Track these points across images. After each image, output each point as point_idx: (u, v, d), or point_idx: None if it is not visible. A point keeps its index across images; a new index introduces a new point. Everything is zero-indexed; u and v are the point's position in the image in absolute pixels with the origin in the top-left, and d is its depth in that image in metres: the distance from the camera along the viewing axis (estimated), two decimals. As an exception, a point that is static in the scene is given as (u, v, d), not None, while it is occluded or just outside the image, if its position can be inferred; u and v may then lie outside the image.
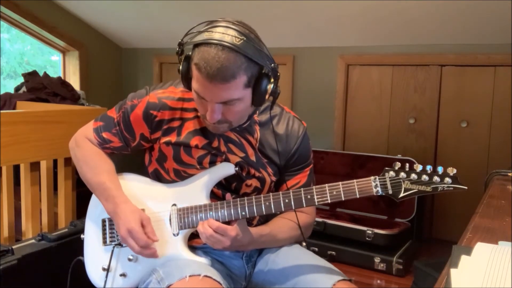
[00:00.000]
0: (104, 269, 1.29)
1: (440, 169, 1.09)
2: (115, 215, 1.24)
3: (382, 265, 2.61)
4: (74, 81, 3.99)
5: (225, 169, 1.26)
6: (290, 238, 1.34)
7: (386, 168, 1.13)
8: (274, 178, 1.33)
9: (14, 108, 3.07)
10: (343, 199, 1.14)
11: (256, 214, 1.20)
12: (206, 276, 1.14)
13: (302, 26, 3.26)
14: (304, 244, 1.37)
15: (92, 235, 1.36)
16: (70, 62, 4.05)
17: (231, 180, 1.30)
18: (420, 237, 3.03)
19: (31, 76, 3.35)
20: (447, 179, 1.07)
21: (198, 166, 1.28)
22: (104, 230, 1.33)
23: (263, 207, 1.19)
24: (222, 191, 1.30)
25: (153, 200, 1.30)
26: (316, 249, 2.77)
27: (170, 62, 4.08)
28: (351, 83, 3.37)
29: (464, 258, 0.85)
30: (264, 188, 1.33)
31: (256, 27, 1.16)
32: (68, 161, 2.14)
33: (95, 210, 1.37)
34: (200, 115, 1.20)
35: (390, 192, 1.11)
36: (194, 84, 1.12)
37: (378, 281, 2.58)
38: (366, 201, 3.02)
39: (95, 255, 1.33)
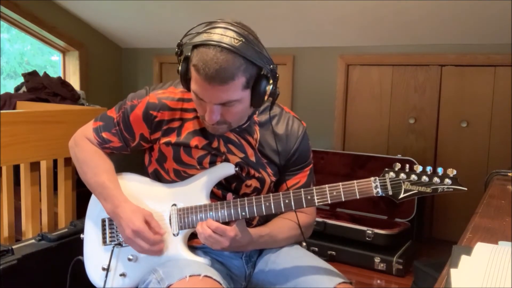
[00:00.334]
0: (104, 269, 1.29)
1: (440, 170, 1.09)
2: (115, 216, 1.24)
3: (382, 265, 2.61)
4: (74, 81, 3.99)
5: (225, 169, 1.26)
6: (289, 238, 1.34)
7: (386, 169, 1.13)
8: (273, 179, 1.33)
9: (14, 108, 3.07)
10: (343, 199, 1.14)
11: (256, 215, 1.20)
12: (206, 276, 1.14)
13: (302, 26, 3.26)
14: (304, 244, 1.36)
15: (92, 235, 1.36)
16: (70, 62, 4.05)
17: (231, 180, 1.30)
18: (420, 237, 3.03)
19: (31, 76, 3.35)
20: (447, 180, 1.07)
21: (198, 166, 1.28)
22: (104, 230, 1.33)
23: (263, 208, 1.19)
24: (222, 191, 1.30)
25: (153, 200, 1.30)
26: (316, 249, 2.77)
27: (170, 62, 4.08)
28: (351, 83, 3.37)
29: (464, 258, 0.85)
30: (263, 189, 1.33)
31: (256, 27, 1.16)
32: (68, 161, 2.14)
33: (95, 210, 1.37)
34: (199, 116, 1.21)
35: (390, 193, 1.11)
36: (193, 85, 1.12)
37: (378, 281, 2.58)
38: (366, 201, 3.02)
39: (95, 255, 1.33)
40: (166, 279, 1.15)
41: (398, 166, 1.12)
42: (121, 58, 4.36)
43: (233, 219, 1.20)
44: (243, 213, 1.20)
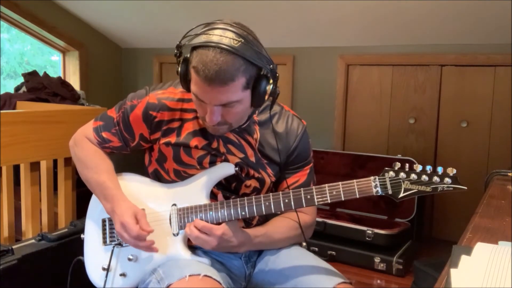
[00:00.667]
0: (104, 269, 1.29)
1: (440, 170, 1.09)
2: (113, 214, 1.24)
3: (382, 265, 2.61)
4: (74, 81, 3.99)
5: (225, 169, 1.26)
6: (288, 238, 1.33)
7: (386, 168, 1.13)
8: (273, 179, 1.33)
9: (14, 108, 3.07)
10: (343, 199, 1.14)
11: (256, 214, 1.20)
12: (206, 275, 1.14)
13: (302, 26, 3.26)
14: (304, 244, 1.36)
15: (92, 235, 1.36)
16: (70, 62, 4.05)
17: (231, 181, 1.30)
18: (420, 237, 3.03)
19: (31, 76, 3.35)
20: (447, 179, 1.07)
21: (198, 166, 1.28)
22: (104, 230, 1.34)
23: (263, 207, 1.19)
24: (222, 191, 1.30)
25: (153, 200, 1.30)
26: (316, 249, 2.77)
27: (170, 62, 4.08)
28: (351, 83, 3.37)
29: (464, 258, 0.85)
30: (263, 189, 1.33)
31: (256, 27, 1.16)
32: (68, 161, 2.15)
33: (95, 210, 1.37)
34: (200, 117, 1.20)
35: (390, 192, 1.11)
36: (193, 87, 1.12)
37: (378, 281, 2.58)
38: (366, 201, 3.02)
39: (95, 255, 1.33)
40: (166, 279, 1.15)
41: (397, 165, 1.12)
42: (121, 58, 4.36)
43: (233, 218, 1.21)
44: (243, 213, 1.20)
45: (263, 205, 1.19)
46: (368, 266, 2.66)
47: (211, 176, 1.27)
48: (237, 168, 1.26)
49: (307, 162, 1.36)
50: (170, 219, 1.26)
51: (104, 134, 1.35)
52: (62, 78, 3.76)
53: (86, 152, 1.37)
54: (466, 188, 1.06)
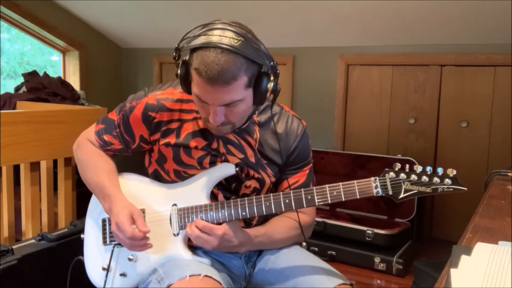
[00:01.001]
0: (104, 268, 1.29)
1: (440, 170, 1.09)
2: (110, 213, 1.24)
3: (382, 265, 2.61)
4: (74, 81, 3.99)
5: (226, 169, 1.26)
6: (288, 238, 1.33)
7: (386, 169, 1.13)
8: (273, 180, 1.33)
9: (14, 108, 3.07)
10: (343, 199, 1.14)
11: (256, 215, 1.20)
12: (206, 276, 1.14)
13: (302, 26, 3.26)
14: (304, 244, 1.36)
15: (92, 235, 1.36)
16: (70, 62, 4.05)
17: (231, 181, 1.30)
18: (420, 237, 3.03)
19: (31, 76, 3.36)
20: (447, 180, 1.07)
21: (198, 167, 1.28)
22: (104, 230, 1.34)
23: (263, 207, 1.19)
24: (222, 192, 1.30)
25: (153, 200, 1.30)
26: (316, 249, 2.77)
27: (170, 62, 4.08)
28: (351, 83, 3.37)
29: (464, 258, 0.85)
30: (263, 189, 1.33)
31: (256, 27, 1.16)
32: (68, 161, 2.15)
33: (96, 210, 1.37)
34: (202, 118, 1.20)
35: (390, 193, 1.11)
36: (195, 89, 1.12)
37: (378, 281, 2.58)
38: (366, 201, 3.02)
39: (95, 255, 1.33)
40: (166, 279, 1.15)
41: (398, 166, 1.12)
42: (121, 58, 4.36)
43: (233, 219, 1.21)
44: (243, 213, 1.20)
45: (263, 205, 1.19)
46: (368, 266, 2.66)
47: (212, 176, 1.27)
48: (237, 169, 1.26)
49: (306, 162, 1.36)
50: (170, 219, 1.26)
51: (105, 137, 1.35)
52: (62, 78, 3.76)
53: (87, 153, 1.37)
54: (466, 189, 1.06)
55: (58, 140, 2.05)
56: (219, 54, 1.04)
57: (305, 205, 1.18)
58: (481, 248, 0.88)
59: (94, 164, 1.34)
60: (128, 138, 1.32)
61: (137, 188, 1.33)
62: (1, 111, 1.94)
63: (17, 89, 3.44)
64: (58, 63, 4.14)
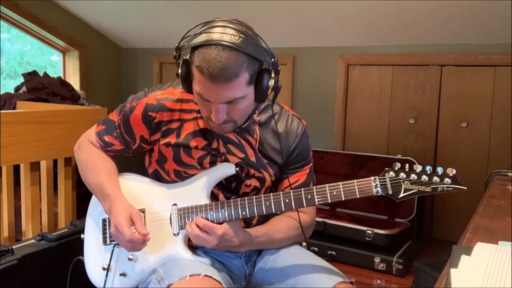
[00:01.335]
0: (104, 268, 1.29)
1: (439, 170, 1.09)
2: (110, 214, 1.24)
3: (382, 265, 2.61)
4: (74, 81, 3.99)
5: (226, 169, 1.26)
6: (289, 238, 1.33)
7: (386, 168, 1.13)
8: (273, 178, 1.33)
9: (14, 108, 3.07)
10: (343, 199, 1.14)
11: (256, 214, 1.20)
12: (206, 275, 1.14)
13: (302, 26, 3.26)
14: (304, 244, 1.36)
15: (92, 235, 1.36)
16: (70, 62, 4.05)
17: (231, 180, 1.30)
18: (420, 237, 3.03)
19: (31, 76, 3.35)
20: (447, 180, 1.07)
21: (198, 167, 1.28)
22: (104, 230, 1.34)
23: (264, 207, 1.19)
24: (222, 191, 1.30)
25: (153, 200, 1.30)
26: (316, 249, 2.77)
27: (170, 62, 4.08)
28: (351, 83, 3.37)
29: (464, 258, 0.85)
30: (263, 188, 1.33)
31: (256, 27, 1.16)
32: (68, 161, 2.15)
33: (96, 210, 1.37)
34: (204, 117, 1.20)
35: (390, 192, 1.11)
36: (197, 87, 1.12)
37: (378, 281, 2.58)
38: (366, 201, 3.02)
39: (95, 255, 1.33)
40: (166, 279, 1.15)
41: (398, 165, 1.12)
42: (121, 58, 4.36)
43: (234, 218, 1.21)
44: (243, 213, 1.20)
45: (263, 205, 1.19)
46: (368, 266, 2.66)
47: (212, 176, 1.27)
48: (237, 168, 1.26)
49: (307, 162, 1.36)
50: (170, 219, 1.26)
51: (106, 138, 1.35)
52: (62, 78, 3.76)
53: (88, 154, 1.37)
54: (465, 188, 1.06)
55: (58, 140, 2.05)
56: (220, 51, 1.04)
57: (305, 205, 1.18)
58: (481, 248, 0.88)
59: (95, 165, 1.34)
60: (129, 139, 1.32)
61: (137, 188, 1.33)
62: (1, 111, 1.94)
63: (17, 89, 3.44)
64: (58, 63, 4.14)
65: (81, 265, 1.37)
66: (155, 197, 1.30)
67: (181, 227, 1.25)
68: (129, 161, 1.49)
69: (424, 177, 1.09)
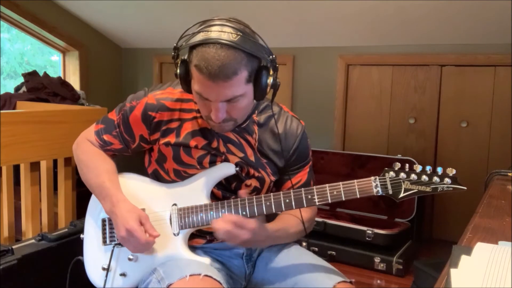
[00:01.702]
0: (104, 268, 1.29)
1: (439, 170, 1.09)
2: (112, 215, 1.24)
3: (382, 265, 2.61)
4: (74, 81, 3.99)
5: (226, 169, 1.26)
6: (298, 233, 1.33)
7: (386, 168, 1.13)
8: (273, 178, 1.33)
9: (14, 108, 3.07)
10: (343, 199, 1.14)
11: (256, 214, 1.20)
12: (206, 275, 1.14)
13: (302, 26, 3.26)
14: (304, 244, 1.37)
15: (92, 235, 1.36)
16: (70, 62, 4.05)
17: (231, 180, 1.30)
18: (420, 237, 3.03)
19: (31, 76, 3.35)
20: (447, 180, 1.07)
21: (198, 166, 1.28)
22: (104, 230, 1.33)
23: (264, 207, 1.19)
24: (222, 191, 1.30)
25: (153, 199, 1.30)
26: (316, 249, 2.77)
27: (170, 62, 4.06)
28: (351, 83, 3.37)
29: (464, 258, 0.85)
30: (263, 188, 1.33)
31: (256, 27, 1.16)
32: (68, 161, 2.14)
33: (95, 210, 1.37)
34: (204, 116, 1.20)
35: (390, 192, 1.12)
36: (196, 86, 1.12)
37: (378, 281, 2.58)
38: (366, 201, 3.02)
39: (95, 255, 1.33)
40: (166, 279, 1.15)
41: (398, 165, 1.12)
42: (121, 58, 4.36)
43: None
44: (244, 213, 1.20)
45: (263, 205, 1.19)
46: (368, 266, 2.66)
47: (212, 176, 1.27)
48: (237, 168, 1.27)
49: (307, 161, 1.36)
50: (170, 219, 1.26)
51: (105, 137, 1.35)
52: (62, 78, 3.76)
53: (87, 154, 1.37)
54: (465, 188, 1.06)
55: (58, 140, 2.05)
56: (219, 50, 1.05)
57: (305, 205, 1.18)
58: (481, 248, 0.88)
59: (95, 164, 1.34)
60: (128, 138, 1.32)
61: (137, 188, 1.33)
62: (1, 111, 1.94)
63: (17, 89, 3.44)
64: (58, 63, 4.14)
65: (81, 265, 1.37)
66: (155, 197, 1.30)
67: (181, 227, 1.25)
68: (129, 161, 1.48)
69: (424, 177, 1.09)
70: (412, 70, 3.16)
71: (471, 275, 0.79)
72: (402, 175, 1.11)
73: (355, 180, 1.14)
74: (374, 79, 3.30)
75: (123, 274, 1.28)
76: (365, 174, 1.12)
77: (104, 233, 1.33)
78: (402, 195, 1.11)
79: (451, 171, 1.08)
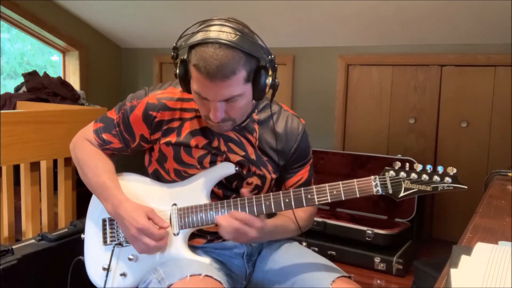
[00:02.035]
0: (104, 268, 1.29)
1: (440, 169, 1.09)
2: (117, 216, 1.24)
3: (382, 265, 2.61)
4: (74, 81, 3.99)
5: (226, 169, 1.27)
6: (297, 229, 1.34)
7: (386, 167, 1.13)
8: (274, 176, 1.33)
9: (14, 108, 3.07)
10: (343, 198, 1.14)
11: (256, 214, 1.20)
12: (206, 275, 1.14)
13: (302, 26, 3.26)
14: (304, 244, 1.37)
15: (92, 235, 1.36)
16: (70, 62, 4.05)
17: (232, 179, 1.30)
18: (420, 237, 3.03)
19: (31, 76, 3.35)
20: (447, 179, 1.07)
21: (198, 166, 1.28)
22: (104, 230, 1.33)
23: (263, 207, 1.19)
24: (222, 190, 1.30)
25: (153, 199, 1.30)
26: (316, 249, 2.76)
27: (170, 62, 4.04)
28: (351, 83, 3.37)
29: (464, 258, 0.85)
30: (264, 186, 1.33)
31: (256, 27, 1.17)
32: (68, 161, 2.14)
33: (96, 210, 1.37)
34: (203, 116, 1.20)
35: (390, 191, 1.11)
36: (195, 86, 1.12)
37: (378, 281, 2.58)
38: (366, 201, 3.02)
39: (95, 255, 1.33)
40: (167, 279, 1.15)
41: (398, 164, 1.12)
42: (121, 58, 4.36)
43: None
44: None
45: (263, 204, 1.19)
46: (368, 266, 2.66)
47: (212, 176, 1.27)
48: (237, 168, 1.27)
49: (308, 159, 1.37)
50: (170, 219, 1.26)
51: (104, 136, 1.35)
52: (62, 78, 3.76)
53: (86, 153, 1.36)
54: (466, 187, 1.06)
55: (58, 140, 2.05)
56: (217, 49, 1.05)
57: (305, 204, 1.18)
58: (481, 248, 0.88)
59: (95, 164, 1.34)
60: (128, 137, 1.32)
61: (137, 188, 1.33)
62: (1, 111, 1.94)
63: (17, 89, 3.44)
64: (58, 63, 4.14)
65: (81, 265, 1.37)
66: (155, 197, 1.30)
67: (181, 227, 1.25)
68: (129, 161, 1.48)
69: (425, 176, 1.09)
70: (412, 70, 3.16)
71: (471, 275, 0.79)
72: (402, 174, 1.11)
73: (355, 180, 1.14)
74: (374, 79, 3.30)
75: (123, 274, 1.28)
76: (365, 174, 1.12)
77: (104, 233, 1.33)
78: (402, 194, 1.11)
79: (452, 170, 1.07)
